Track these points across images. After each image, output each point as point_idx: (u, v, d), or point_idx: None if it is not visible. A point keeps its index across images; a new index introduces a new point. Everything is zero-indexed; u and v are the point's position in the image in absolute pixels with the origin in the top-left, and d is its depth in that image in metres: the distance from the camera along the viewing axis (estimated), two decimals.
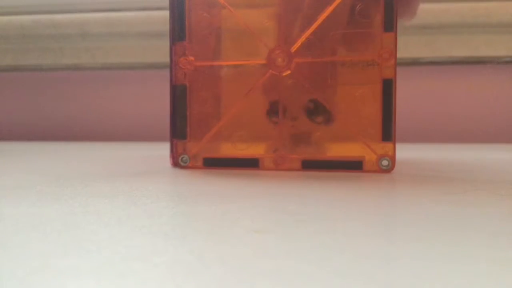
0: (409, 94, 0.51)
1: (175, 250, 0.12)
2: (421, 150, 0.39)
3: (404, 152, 0.29)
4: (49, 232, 0.13)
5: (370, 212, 0.16)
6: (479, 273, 0.10)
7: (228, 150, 0.26)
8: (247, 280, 0.09)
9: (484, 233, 0.13)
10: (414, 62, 0.51)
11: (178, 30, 0.25)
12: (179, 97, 0.25)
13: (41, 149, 0.43)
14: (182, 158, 0.26)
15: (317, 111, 0.24)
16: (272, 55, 0.25)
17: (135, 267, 0.10)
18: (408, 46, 0.49)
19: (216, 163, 0.26)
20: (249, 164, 0.25)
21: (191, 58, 0.25)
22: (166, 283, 0.09)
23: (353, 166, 0.24)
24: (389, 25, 0.23)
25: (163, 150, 0.35)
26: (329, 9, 0.24)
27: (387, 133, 0.24)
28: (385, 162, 0.24)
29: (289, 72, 0.25)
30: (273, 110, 0.25)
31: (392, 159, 0.24)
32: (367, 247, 0.12)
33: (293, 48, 0.25)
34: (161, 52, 0.52)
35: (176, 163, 0.26)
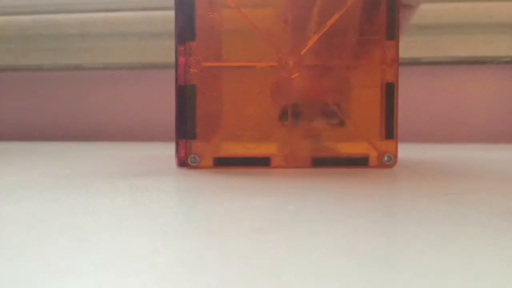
0: (409, 94, 0.51)
1: (175, 250, 0.12)
2: (421, 150, 0.39)
3: (404, 152, 0.29)
4: (49, 232, 0.13)
5: (372, 211, 0.16)
6: (480, 273, 0.10)
7: (238, 149, 0.26)
8: (247, 280, 0.09)
9: (484, 232, 0.13)
10: (414, 62, 0.51)
11: (187, 31, 0.25)
12: (187, 97, 0.25)
13: (41, 149, 0.43)
14: (191, 158, 0.26)
15: (331, 114, 0.26)
16: (282, 58, 0.25)
17: (135, 267, 0.10)
18: (408, 46, 0.49)
19: (227, 163, 0.26)
20: (260, 162, 0.26)
21: (199, 58, 0.25)
22: (166, 283, 0.09)
23: (360, 162, 0.26)
24: (391, 34, 0.25)
25: (164, 150, 0.35)
26: (338, 14, 0.25)
27: (390, 132, 0.25)
28: (387, 158, 0.25)
29: (298, 74, 0.25)
30: (285, 115, 0.26)
31: (394, 155, 0.26)
32: (368, 246, 0.12)
33: (303, 51, 0.25)
34: (161, 52, 0.52)
35: (183, 163, 0.26)
